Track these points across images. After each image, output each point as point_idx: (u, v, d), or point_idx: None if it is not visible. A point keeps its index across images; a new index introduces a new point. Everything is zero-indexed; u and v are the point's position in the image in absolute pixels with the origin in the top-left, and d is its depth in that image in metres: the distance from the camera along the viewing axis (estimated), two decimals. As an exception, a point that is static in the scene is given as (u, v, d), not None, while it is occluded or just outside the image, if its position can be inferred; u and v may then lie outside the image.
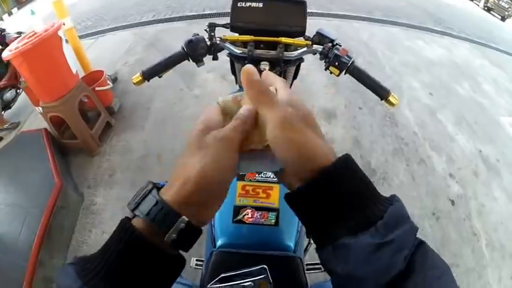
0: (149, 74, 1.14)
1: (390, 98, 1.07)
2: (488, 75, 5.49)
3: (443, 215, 2.51)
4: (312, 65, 3.43)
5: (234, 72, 1.34)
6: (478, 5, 16.50)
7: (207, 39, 1.15)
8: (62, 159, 2.60)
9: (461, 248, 2.37)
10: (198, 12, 5.62)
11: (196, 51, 1.13)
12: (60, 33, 2.42)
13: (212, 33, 1.16)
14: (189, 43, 1.13)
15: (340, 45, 1.11)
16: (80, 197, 2.40)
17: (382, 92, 1.07)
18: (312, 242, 1.09)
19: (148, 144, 2.75)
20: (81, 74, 3.02)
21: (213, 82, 3.46)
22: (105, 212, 2.27)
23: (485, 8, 15.83)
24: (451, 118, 3.71)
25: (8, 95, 3.45)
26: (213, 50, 1.16)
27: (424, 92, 4.01)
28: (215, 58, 1.19)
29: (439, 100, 3.97)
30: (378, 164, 2.66)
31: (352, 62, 1.07)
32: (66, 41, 2.61)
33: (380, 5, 7.77)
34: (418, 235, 0.34)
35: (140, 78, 1.13)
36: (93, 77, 2.99)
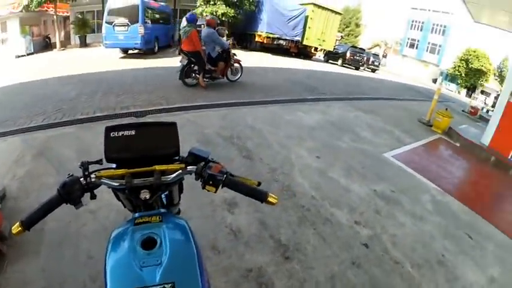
0: (28, 223, 1.08)
1: (269, 199, 1.16)
2: (363, 123, 6.52)
3: (362, 260, 2.76)
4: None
5: (119, 199, 1.36)
6: (338, 64, 21.16)
7: (81, 179, 1.13)
8: None
9: (391, 280, 2.62)
10: (89, 115, 5.60)
11: (72, 193, 1.10)
12: None
13: (86, 172, 1.14)
14: (64, 186, 1.10)
15: (214, 162, 1.21)
16: None
17: (260, 195, 1.17)
18: None
19: (47, 273, 2.46)
20: None
21: (108, 193, 3.30)
22: None
23: (343, 65, 20.50)
24: (341, 172, 4.27)
25: None
26: (90, 188, 1.15)
27: (311, 157, 4.57)
28: (93, 197, 1.18)
29: (326, 160, 4.56)
30: (287, 238, 2.87)
31: (226, 177, 1.16)
32: None
33: (261, 88, 8.91)
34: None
35: (20, 228, 1.06)
36: None
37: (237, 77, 9.02)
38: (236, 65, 8.82)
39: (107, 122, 5.25)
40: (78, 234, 2.81)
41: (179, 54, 7.95)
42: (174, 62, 12.76)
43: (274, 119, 6.19)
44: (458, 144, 7.31)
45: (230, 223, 3.00)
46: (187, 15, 7.85)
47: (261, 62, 15.45)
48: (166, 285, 0.92)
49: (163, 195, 1.43)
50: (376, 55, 26.72)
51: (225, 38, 8.70)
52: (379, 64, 25.82)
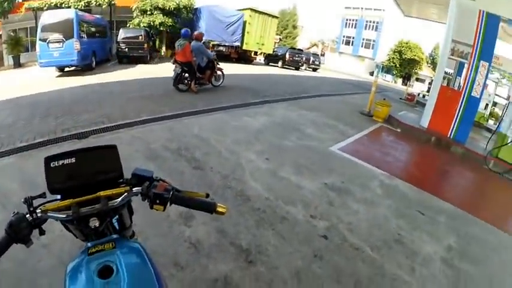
0: None
1: (218, 209, 1.18)
2: (307, 120, 6.75)
3: (323, 252, 2.87)
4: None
5: (69, 230, 1.31)
6: (278, 66, 21.81)
7: (27, 216, 1.09)
8: None
9: (354, 266, 2.75)
10: (29, 141, 5.23)
11: (20, 232, 1.05)
12: None
13: (31, 208, 1.09)
14: (11, 226, 1.05)
15: (158, 180, 1.21)
16: None
17: (208, 207, 1.19)
18: None
19: None
20: None
21: (59, 223, 3.11)
22: None
23: (284, 67, 21.23)
24: (291, 170, 4.39)
25: None
26: (37, 224, 1.11)
27: (261, 160, 4.65)
28: (42, 233, 1.14)
29: (275, 161, 4.66)
30: (248, 242, 2.89)
31: (172, 194, 1.16)
32: None
33: (201, 96, 8.84)
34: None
35: None
36: None
37: (219, 83, 10.25)
38: (219, 72, 10.04)
39: (49, 146, 4.97)
40: (35, 272, 2.65)
41: (173, 63, 9.05)
42: (114, 76, 12.46)
43: (220, 126, 6.20)
44: (399, 130, 7.82)
45: (189, 236, 2.96)
46: (182, 31, 9.25)
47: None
48: None
49: (114, 220, 1.38)
50: (316, 55, 28.12)
51: (209, 50, 10.28)
52: (320, 63, 27.30)
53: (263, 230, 3.11)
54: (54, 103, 8.02)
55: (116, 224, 1.41)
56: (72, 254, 2.74)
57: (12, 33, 19.70)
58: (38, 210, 1.11)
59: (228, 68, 16.30)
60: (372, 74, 39.40)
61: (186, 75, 9.02)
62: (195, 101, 8.12)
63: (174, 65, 9.05)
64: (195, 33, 9.54)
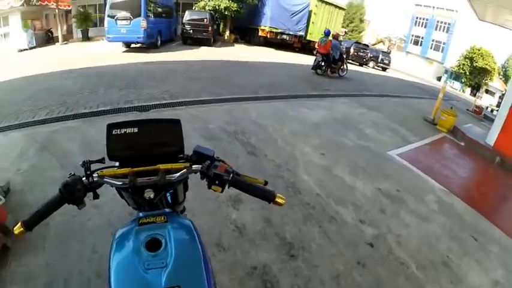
0: (30, 224, 1.07)
1: (277, 199, 1.13)
2: (368, 120, 6.45)
3: (367, 260, 2.72)
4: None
5: (122, 197, 1.33)
6: None
7: (83, 179, 1.10)
8: None
9: (396, 281, 2.58)
10: (92, 109, 5.57)
11: (74, 194, 1.07)
12: None
13: (88, 172, 1.11)
14: (66, 186, 1.06)
15: (219, 161, 1.17)
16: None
17: (268, 196, 1.13)
18: None
19: (52, 268, 2.45)
20: None
21: (113, 188, 3.26)
22: None
23: (347, 61, 20.20)
24: (346, 169, 4.21)
25: None
26: (93, 188, 1.13)
27: (316, 154, 4.51)
28: (96, 197, 1.17)
29: (331, 157, 4.50)
30: (293, 236, 2.83)
31: (233, 177, 1.11)
32: None
33: (264, 83, 8.80)
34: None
35: (22, 229, 1.05)
36: None
37: (344, 73, 12.21)
38: (344, 66, 12.24)
39: (111, 116, 5.23)
40: (83, 229, 2.78)
41: (315, 54, 12.23)
42: (178, 56, 12.80)
43: (278, 114, 6.13)
44: (462, 144, 7.22)
45: (235, 219, 2.97)
46: (325, 30, 12.36)
47: (264, 57, 15.42)
48: None
49: (167, 194, 1.38)
50: (385, 52, 25.72)
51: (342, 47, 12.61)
52: (390, 62, 25.05)
53: (310, 226, 3.03)
54: (119, 76, 8.41)
55: (168, 198, 1.40)
56: (121, 218, 2.88)
57: (81, 9, 20.75)
58: (95, 175, 1.12)
59: (290, 57, 16.18)
60: (439, 79, 36.69)
61: (322, 63, 11.58)
62: (256, 88, 8.09)
63: (316, 55, 12.09)
64: (333, 33, 12.24)
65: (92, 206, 2.97)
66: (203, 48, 15.85)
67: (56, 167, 3.61)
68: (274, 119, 5.74)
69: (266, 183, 1.20)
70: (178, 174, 1.15)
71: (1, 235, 2.53)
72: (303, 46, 21.46)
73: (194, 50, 15.02)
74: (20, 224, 1.06)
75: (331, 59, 11.56)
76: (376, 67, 23.12)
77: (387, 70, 24.22)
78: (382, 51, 25.82)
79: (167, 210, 1.25)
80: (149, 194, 1.15)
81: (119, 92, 6.64)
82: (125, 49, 14.10)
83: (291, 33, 20.01)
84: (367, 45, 24.27)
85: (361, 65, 22.00)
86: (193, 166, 1.16)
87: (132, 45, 14.45)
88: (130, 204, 1.32)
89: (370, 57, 22.69)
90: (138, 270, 0.93)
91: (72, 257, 2.53)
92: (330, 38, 11.66)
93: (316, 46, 12.74)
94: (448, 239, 3.27)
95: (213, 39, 17.97)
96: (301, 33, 20.36)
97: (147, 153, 1.21)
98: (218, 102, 6.42)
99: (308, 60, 16.95)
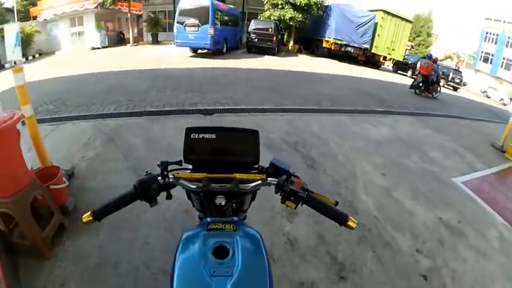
0: (100, 215, 1.10)
1: (349, 222, 1.08)
2: (433, 142, 6.09)
3: (419, 293, 2.57)
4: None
5: (190, 198, 1.35)
6: (407, 76, 19.59)
7: (159, 178, 1.13)
8: (9, 259, 2.33)
9: None
10: (159, 108, 5.84)
11: (148, 191, 1.10)
12: (19, 125, 2.29)
13: (165, 172, 1.14)
14: (141, 184, 1.09)
15: (295, 176, 1.14)
16: (28, 308, 2.05)
17: (340, 219, 1.08)
18: None
19: (103, 251, 2.55)
20: (37, 164, 2.91)
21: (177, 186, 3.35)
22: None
23: (413, 77, 18.85)
24: (407, 193, 4.01)
25: None
26: (167, 188, 1.15)
27: (377, 174, 4.35)
28: (169, 197, 1.18)
29: (392, 179, 4.31)
30: (344, 257, 2.77)
31: (308, 195, 1.09)
32: (23, 123, 2.49)
33: (327, 95, 8.72)
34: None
35: (91, 218, 1.08)
36: (49, 172, 2.81)
37: (437, 95, 12.68)
38: (439, 88, 12.85)
39: (175, 116, 5.48)
40: (138, 220, 2.88)
41: (416, 75, 13.50)
42: (242, 63, 13.06)
43: (340, 129, 6.02)
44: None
45: (288, 232, 2.97)
46: (428, 54, 13.55)
47: (327, 69, 15.15)
48: None
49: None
50: (457, 70, 23.76)
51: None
52: (461, 81, 23.13)
53: (363, 249, 2.93)
54: (185, 79, 8.77)
55: (233, 205, 1.40)
56: (176, 215, 3.00)
57: (152, 14, 22.03)
58: (171, 175, 1.15)
59: (354, 70, 15.75)
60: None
61: (421, 84, 12.31)
62: (319, 100, 8.02)
63: (416, 75, 13.60)
64: (433, 57, 12.83)
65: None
66: (267, 57, 16.05)
67: (120, 158, 3.83)
68: (335, 133, 5.64)
69: (337, 203, 1.17)
70: (252, 184, 1.15)
71: (60, 215, 2.72)
72: (367, 59, 20.85)
73: (258, 59, 15.26)
74: (89, 213, 1.09)
75: (430, 81, 12.23)
76: (446, 86, 21.29)
77: (458, 90, 22.41)
78: (453, 69, 23.83)
79: (235, 218, 1.23)
80: (221, 200, 1.15)
81: (185, 95, 6.94)
82: (191, 54, 14.76)
83: (355, 45, 19.57)
84: (436, 61, 22.62)
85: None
86: (268, 179, 1.16)
87: (199, 51, 15.07)
88: (196, 207, 1.35)
89: (441, 75, 21.18)
90: (203, 275, 0.92)
91: (124, 244, 2.64)
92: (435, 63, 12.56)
93: (418, 67, 13.66)
94: (504, 280, 2.98)
95: (277, 49, 18.18)
96: (366, 45, 19.84)
97: (223, 160, 1.22)
98: (280, 112, 6.45)
99: (372, 73, 16.47)
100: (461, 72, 24.16)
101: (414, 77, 13.26)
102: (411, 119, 7.60)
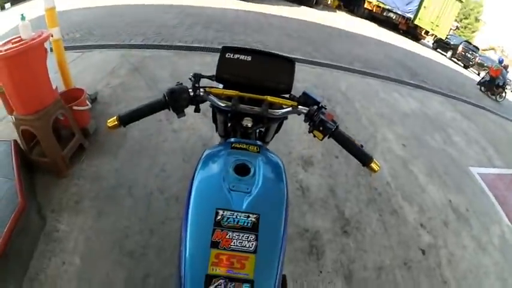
0: (126, 120, 1.07)
1: (372, 165, 1.07)
2: (459, 127, 5.84)
3: (414, 264, 2.57)
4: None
5: (215, 121, 1.32)
6: (446, 56, 18.23)
7: (190, 90, 1.09)
8: (27, 176, 2.37)
9: None
10: (187, 43, 5.71)
11: (178, 101, 1.06)
12: (46, 44, 2.25)
13: (196, 84, 1.11)
14: (172, 93, 1.05)
15: (326, 109, 1.12)
16: (42, 221, 2.15)
17: (364, 158, 1.07)
18: None
19: (120, 174, 2.58)
20: (61, 87, 2.88)
21: (193, 117, 3.25)
22: (68, 241, 2.04)
23: (452, 59, 17.54)
24: (423, 169, 3.88)
25: None
26: (196, 101, 1.12)
27: (397, 144, 4.21)
28: (197, 110, 1.15)
29: (411, 151, 4.17)
30: (351, 214, 2.74)
31: (337, 128, 1.07)
32: (51, 50, 2.48)
33: (360, 57, 8.32)
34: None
35: (116, 122, 1.06)
36: (73, 95, 2.81)
37: (501, 100, 12.32)
38: (504, 94, 12.60)
39: (203, 53, 5.29)
40: (157, 148, 2.89)
41: (486, 74, 12.91)
42: (276, 10, 12.58)
43: (368, 92, 5.77)
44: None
45: (301, 179, 2.93)
46: (500, 58, 14.22)
47: (365, 31, 14.34)
48: (251, 215, 0.87)
49: (257, 130, 1.35)
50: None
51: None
52: (505, 83, 21.46)
53: (371, 210, 2.89)
54: (217, 19, 8.38)
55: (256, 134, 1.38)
56: (195, 147, 2.94)
57: None
58: (201, 89, 1.12)
59: (392, 38, 14.90)
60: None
61: (487, 83, 12.34)
62: (351, 60, 7.70)
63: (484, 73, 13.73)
64: (505, 63, 13.17)
65: (171, 129, 3.15)
66: (303, 8, 15.15)
67: (144, 88, 3.77)
68: (363, 95, 5.41)
69: (362, 146, 1.11)
70: (282, 110, 1.13)
71: (81, 135, 2.72)
72: (408, 30, 19.15)
73: (294, 8, 14.43)
74: (115, 117, 1.07)
75: (496, 84, 12.26)
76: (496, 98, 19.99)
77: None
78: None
79: (259, 142, 1.20)
80: (248, 122, 1.14)
81: (215, 34, 6.68)
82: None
83: (399, 12, 18.03)
84: (478, 49, 20.69)
85: (465, 67, 19.29)
86: (299, 107, 1.13)
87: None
88: (219, 130, 1.32)
89: (477, 62, 19.73)
90: (221, 188, 0.92)
91: (141, 170, 2.65)
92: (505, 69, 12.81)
93: (488, 67, 14.23)
94: (495, 279, 2.94)
95: (315, 1, 16.98)
96: (410, 15, 18.04)
97: (255, 83, 1.17)
98: (310, 64, 6.20)
99: (411, 45, 15.57)
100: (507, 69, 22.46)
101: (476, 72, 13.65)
102: (441, 98, 7.25)
